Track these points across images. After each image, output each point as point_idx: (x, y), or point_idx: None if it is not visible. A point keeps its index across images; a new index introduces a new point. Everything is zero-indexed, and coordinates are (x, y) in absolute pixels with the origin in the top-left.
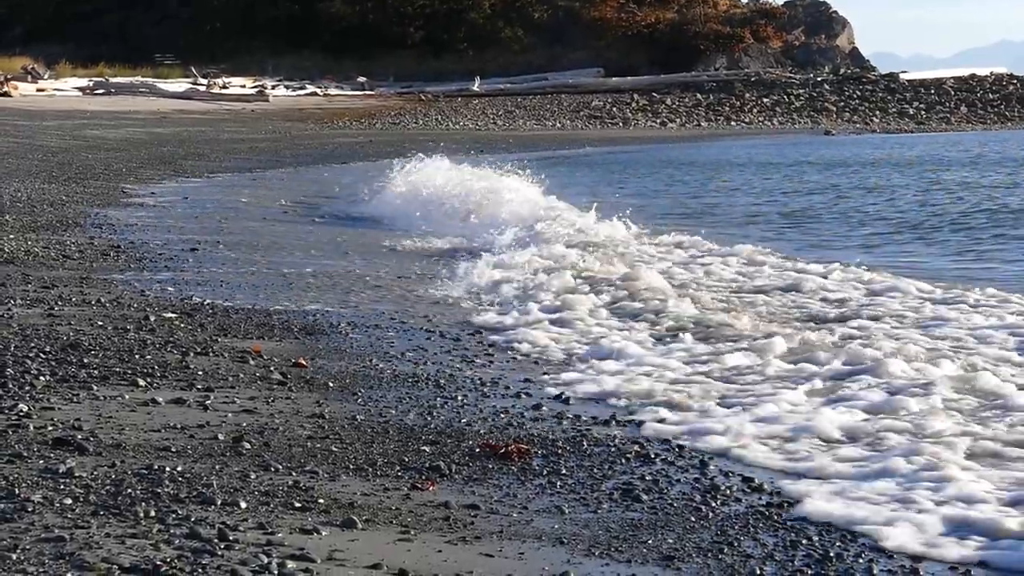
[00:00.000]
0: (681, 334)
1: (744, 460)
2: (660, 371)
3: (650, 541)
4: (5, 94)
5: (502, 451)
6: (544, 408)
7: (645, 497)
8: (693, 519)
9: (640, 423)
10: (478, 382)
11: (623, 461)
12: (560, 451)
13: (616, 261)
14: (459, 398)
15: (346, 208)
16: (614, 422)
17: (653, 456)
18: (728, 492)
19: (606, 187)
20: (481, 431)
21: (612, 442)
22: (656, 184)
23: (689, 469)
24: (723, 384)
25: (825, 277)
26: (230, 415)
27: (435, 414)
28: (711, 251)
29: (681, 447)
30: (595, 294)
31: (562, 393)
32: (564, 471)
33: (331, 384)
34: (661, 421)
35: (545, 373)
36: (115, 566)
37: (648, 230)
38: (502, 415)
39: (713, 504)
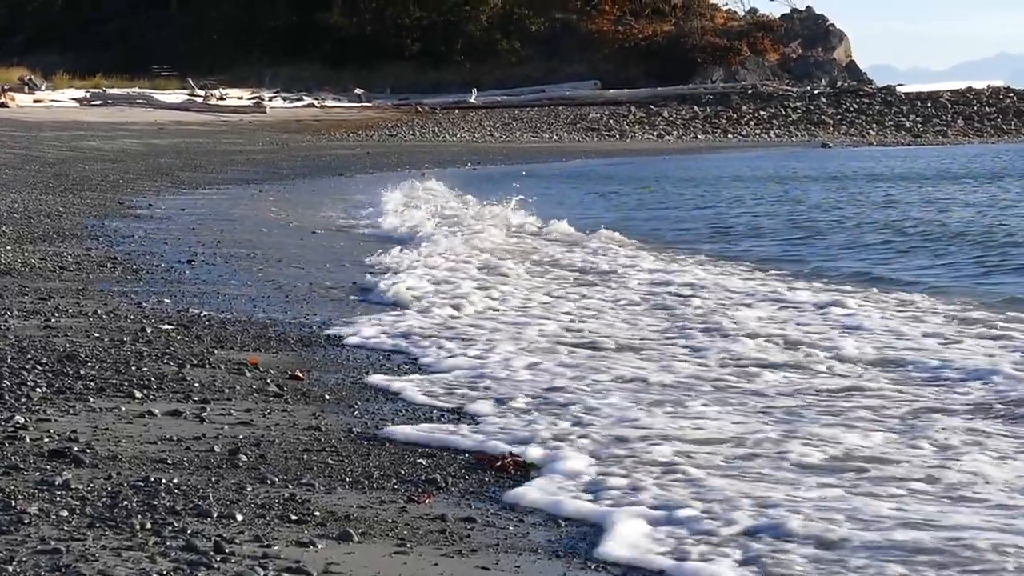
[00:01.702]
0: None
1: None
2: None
3: None
4: (2, 105)
5: (498, 464)
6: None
7: None
8: None
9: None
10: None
11: None
12: None
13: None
14: (452, 408)
15: (342, 220)
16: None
17: None
18: None
19: (599, 200)
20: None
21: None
22: (653, 197)
23: None
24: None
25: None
26: (226, 427)
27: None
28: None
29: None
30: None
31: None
32: None
33: (327, 396)
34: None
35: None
36: None
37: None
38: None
39: None
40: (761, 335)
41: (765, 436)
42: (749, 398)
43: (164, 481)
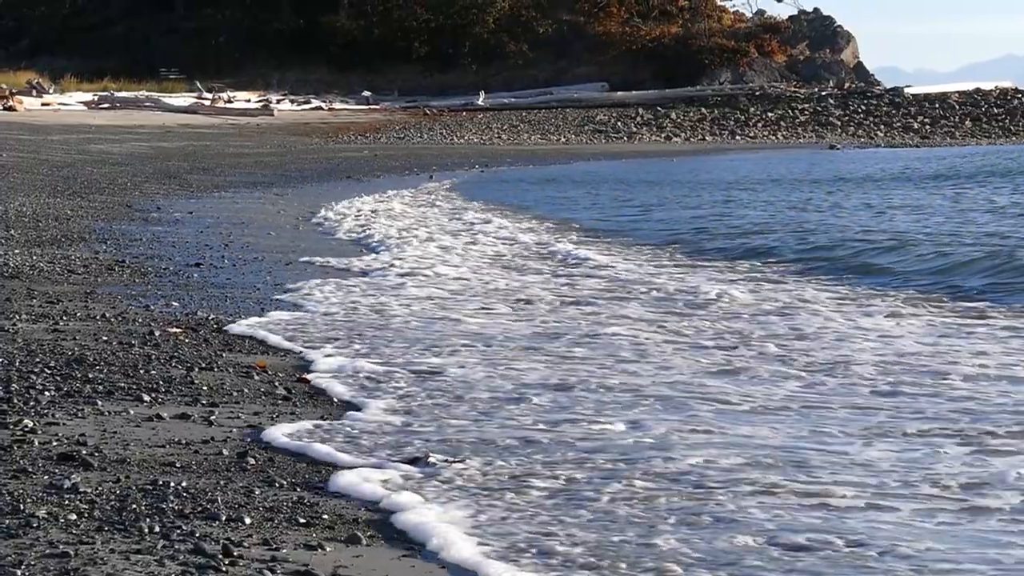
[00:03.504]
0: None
1: None
2: None
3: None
4: (10, 108)
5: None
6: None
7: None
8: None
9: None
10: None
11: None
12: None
13: None
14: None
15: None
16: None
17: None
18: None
19: (613, 203)
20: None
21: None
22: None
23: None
24: None
25: None
26: (235, 430)
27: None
28: None
29: None
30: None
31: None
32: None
33: (335, 399)
34: None
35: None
36: None
37: None
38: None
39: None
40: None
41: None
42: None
43: (172, 484)
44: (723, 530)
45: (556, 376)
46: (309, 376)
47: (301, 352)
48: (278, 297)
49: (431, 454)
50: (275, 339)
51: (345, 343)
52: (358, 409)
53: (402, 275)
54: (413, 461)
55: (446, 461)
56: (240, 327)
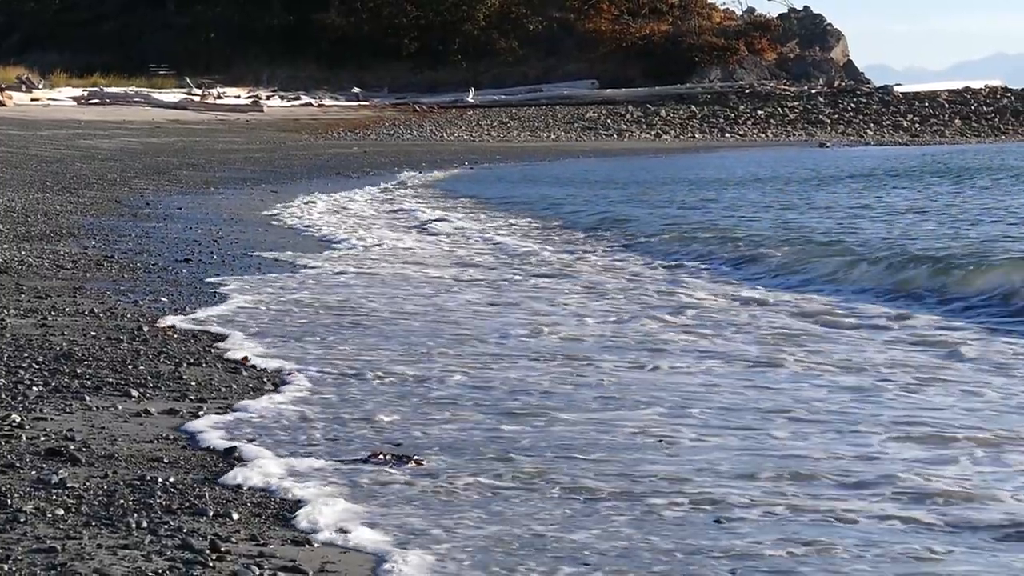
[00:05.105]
0: None
1: None
2: None
3: None
4: (0, 104)
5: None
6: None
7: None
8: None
9: None
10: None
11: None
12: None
13: None
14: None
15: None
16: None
17: None
18: None
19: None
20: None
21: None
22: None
23: None
24: None
25: None
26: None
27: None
28: None
29: None
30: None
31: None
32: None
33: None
34: None
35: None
36: None
37: None
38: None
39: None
40: None
41: None
42: None
43: (160, 480)
44: (637, 529)
45: (521, 375)
46: (249, 358)
47: (243, 341)
48: (250, 293)
49: (382, 452)
50: (229, 331)
51: (304, 339)
52: (304, 403)
53: (380, 272)
54: (366, 460)
55: (399, 459)
56: (172, 320)
